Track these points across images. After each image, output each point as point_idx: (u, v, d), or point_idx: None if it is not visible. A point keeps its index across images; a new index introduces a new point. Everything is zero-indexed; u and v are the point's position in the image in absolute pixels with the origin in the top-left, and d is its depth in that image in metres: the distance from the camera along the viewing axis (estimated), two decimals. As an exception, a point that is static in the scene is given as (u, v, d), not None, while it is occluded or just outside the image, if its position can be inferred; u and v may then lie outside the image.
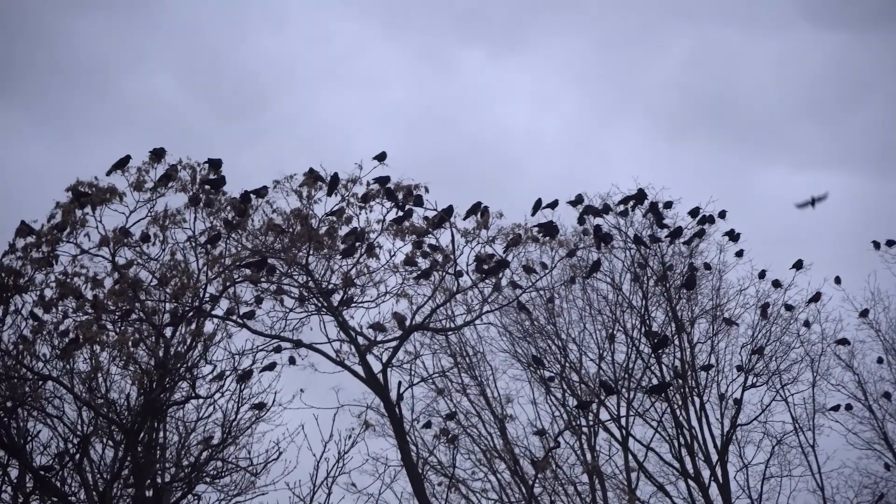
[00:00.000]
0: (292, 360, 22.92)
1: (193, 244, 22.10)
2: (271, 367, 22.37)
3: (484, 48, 64.98)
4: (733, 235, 28.33)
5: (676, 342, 27.81)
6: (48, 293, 20.82)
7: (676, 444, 27.51)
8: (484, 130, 61.08)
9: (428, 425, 25.39)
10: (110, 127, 56.73)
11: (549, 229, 23.97)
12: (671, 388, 27.00)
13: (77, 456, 20.48)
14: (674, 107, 62.75)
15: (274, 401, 21.93)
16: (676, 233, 27.35)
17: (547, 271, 25.35)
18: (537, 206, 24.46)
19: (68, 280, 20.91)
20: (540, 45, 65.00)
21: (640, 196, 26.91)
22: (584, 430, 27.33)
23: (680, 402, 27.41)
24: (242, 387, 21.74)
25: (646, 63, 62.33)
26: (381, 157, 22.83)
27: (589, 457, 27.07)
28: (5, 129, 52.68)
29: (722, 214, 27.98)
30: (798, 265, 29.07)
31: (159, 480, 20.96)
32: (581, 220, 26.40)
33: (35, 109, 56.45)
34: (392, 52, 64.84)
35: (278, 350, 22.79)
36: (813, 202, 21.09)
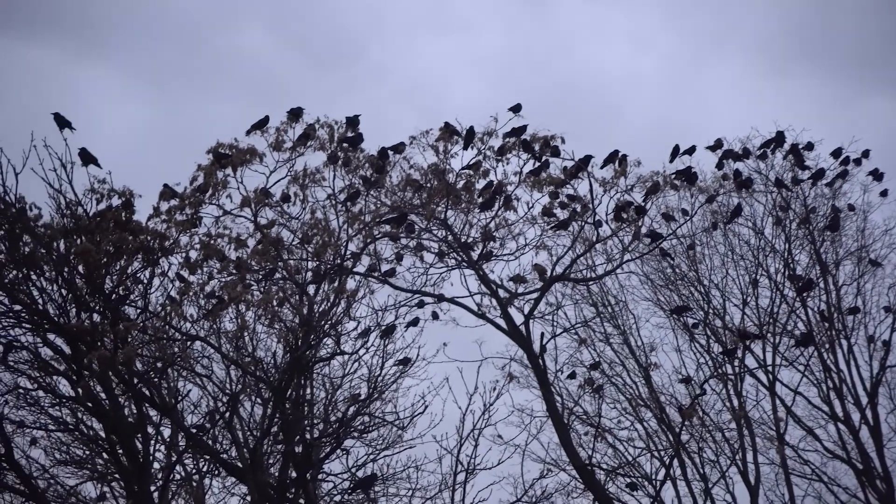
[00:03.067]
0: (435, 315, 22.73)
1: (333, 202, 21.93)
2: (414, 322, 22.16)
3: (578, -11, 63.22)
4: (877, 175, 27.27)
5: (821, 285, 26.94)
6: (193, 255, 20.74)
7: (825, 388, 26.75)
8: (580, 73, 59.81)
9: (572, 376, 24.95)
10: (204, 82, 56.99)
11: (689, 175, 23.26)
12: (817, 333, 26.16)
13: (227, 414, 20.39)
14: (772, 40, 60.39)
15: (418, 355, 21.60)
16: (819, 174, 26.37)
17: (687, 218, 24.59)
18: (675, 152, 23.77)
19: (212, 241, 20.84)
20: (636, -19, 63.08)
21: (779, 139, 25.98)
22: (730, 376, 26.61)
23: (827, 346, 26.52)
24: (386, 342, 21.40)
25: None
26: (516, 109, 22.35)
27: (735, 403, 26.48)
28: (102, 89, 53.06)
29: (866, 154, 26.94)
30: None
31: (308, 436, 20.86)
32: (720, 165, 25.61)
33: (130, 68, 56.93)
34: None
35: (421, 305, 22.58)
36: None
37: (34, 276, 19.48)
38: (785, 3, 59.99)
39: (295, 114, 21.52)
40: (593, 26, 62.54)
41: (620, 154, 22.61)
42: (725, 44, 60.95)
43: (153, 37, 55.68)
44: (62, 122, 19.58)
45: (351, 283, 21.58)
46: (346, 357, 21.36)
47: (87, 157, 19.66)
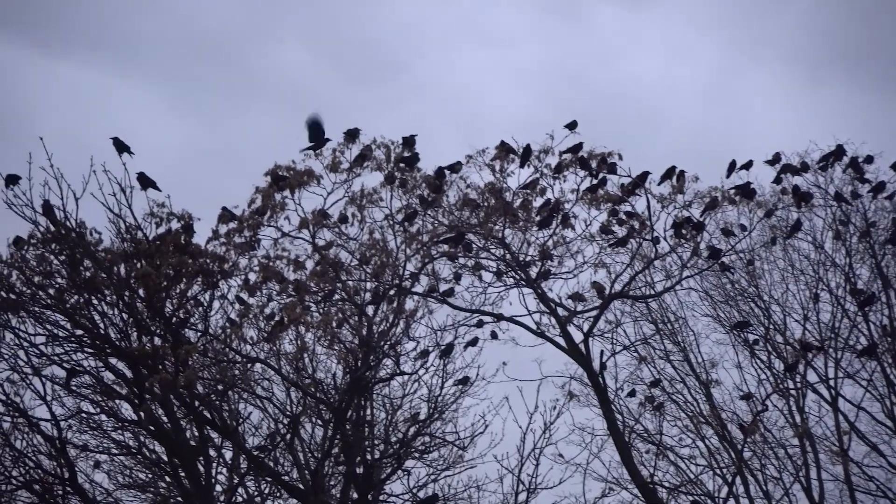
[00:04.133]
0: (494, 335, 22.35)
1: (391, 222, 21.67)
2: (473, 342, 21.89)
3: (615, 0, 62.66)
4: (939, 187, 26.74)
5: (883, 299, 26.41)
6: (252, 277, 20.66)
7: (889, 403, 26.16)
8: (618, 84, 59.12)
9: (632, 394, 24.54)
10: (242, 99, 56.91)
11: (747, 191, 22.90)
12: (880, 347, 25.64)
13: (288, 436, 20.31)
14: (809, 49, 59.47)
15: (478, 375, 21.60)
16: (879, 187, 25.85)
17: (746, 233, 24.17)
18: (732, 167, 23.33)
19: (271, 263, 20.71)
20: (672, -6, 62.36)
21: (839, 152, 25.52)
22: (792, 392, 26.18)
23: (890, 360, 26.00)
24: (446, 362, 21.39)
25: (780, 3, 59.24)
26: (571, 126, 22.05)
27: (798, 419, 25.99)
28: (141, 107, 53.24)
29: (927, 165, 26.44)
30: None
31: (369, 457, 20.75)
32: (778, 180, 25.17)
33: (168, 86, 56.93)
34: (522, 8, 63.07)
35: (480, 325, 22.24)
36: None
37: (95, 301, 19.51)
38: (823, 10, 59.23)
39: (351, 134, 21.34)
40: (630, 37, 62.01)
41: (678, 170, 22.29)
42: (763, 52, 60.24)
43: (191, 54, 56.07)
44: (121, 147, 19.56)
45: (409, 304, 21.50)
46: (406, 377, 21.40)
47: (145, 182, 19.62)
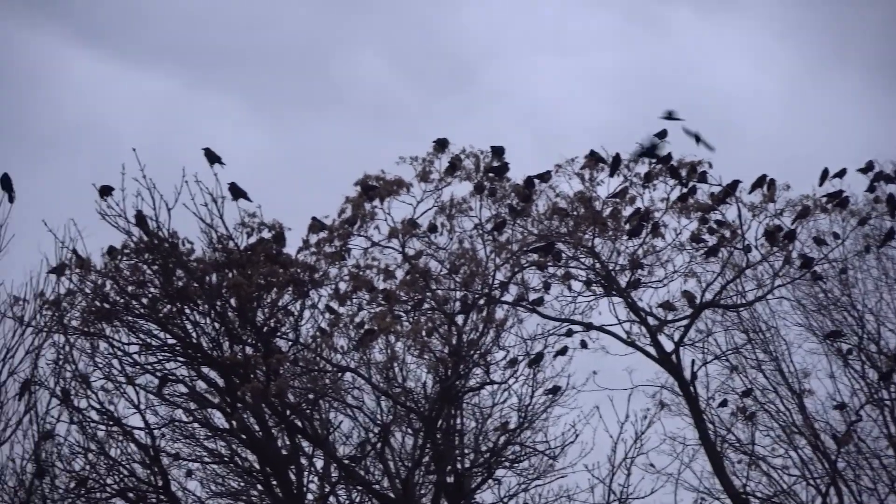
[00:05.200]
0: (584, 344, 22.07)
1: (480, 232, 21.49)
2: (563, 351, 21.61)
3: (693, 6, 61.53)
4: None
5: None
6: (342, 286, 20.51)
7: None
8: (698, 91, 57.94)
9: (724, 404, 24.11)
10: (321, 108, 56.71)
11: (840, 199, 22.41)
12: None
13: (378, 445, 20.12)
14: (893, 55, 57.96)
15: (568, 384, 21.29)
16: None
17: (839, 242, 23.63)
18: (825, 175, 22.86)
19: (361, 273, 20.59)
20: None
21: (934, 159, 24.89)
22: (887, 402, 25.55)
23: None
24: (536, 371, 21.09)
25: (862, 9, 57.95)
26: (661, 136, 21.66)
27: (893, 429, 25.33)
28: (221, 117, 53.39)
29: None
30: None
31: (459, 466, 20.57)
32: (871, 188, 24.59)
33: (247, 96, 56.83)
34: (598, 15, 62.24)
35: (569, 334, 21.98)
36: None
37: (188, 310, 19.47)
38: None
39: (441, 144, 21.21)
40: (710, 44, 60.83)
41: (769, 178, 21.94)
42: (846, 58, 59.05)
43: (269, 64, 55.84)
44: (212, 158, 19.57)
45: (499, 313, 21.25)
46: (496, 386, 21.08)
47: (237, 192, 19.59)
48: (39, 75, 49.18)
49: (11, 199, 18.62)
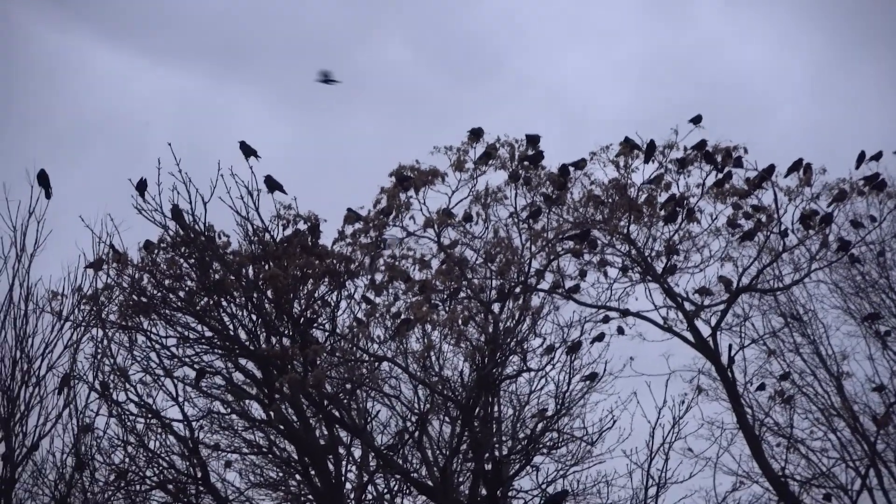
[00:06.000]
0: (620, 330, 21.99)
1: (515, 220, 21.39)
2: (600, 337, 21.51)
3: (720, -10, 60.68)
4: None
5: None
6: (378, 277, 20.35)
7: None
8: (724, 76, 57.31)
9: (762, 387, 24.04)
10: (347, 99, 56.54)
11: (877, 182, 22.10)
12: None
13: (416, 433, 20.02)
14: None
15: (605, 370, 21.06)
16: None
17: (876, 224, 23.34)
18: (861, 158, 22.54)
19: (397, 263, 20.44)
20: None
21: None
22: (926, 384, 25.21)
23: None
24: (573, 358, 20.82)
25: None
26: (696, 121, 21.50)
27: (932, 411, 24.99)
28: (248, 110, 53.31)
29: None
30: None
31: (497, 454, 20.45)
32: (908, 171, 24.29)
33: (273, 88, 56.78)
34: (623, 1, 61.53)
35: (606, 320, 21.87)
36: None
37: (225, 303, 19.39)
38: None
39: (475, 133, 21.03)
40: (735, 28, 60.14)
41: (804, 163, 21.68)
42: (873, 43, 58.15)
43: (294, 55, 55.68)
44: (248, 151, 19.47)
45: (535, 300, 21.09)
46: (533, 374, 20.93)
47: (272, 185, 19.48)
48: (67, 72, 49.58)
49: (48, 195, 18.62)
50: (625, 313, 21.92)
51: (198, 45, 55.86)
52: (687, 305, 22.02)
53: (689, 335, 22.07)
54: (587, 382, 21.08)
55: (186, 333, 19.57)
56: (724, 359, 22.06)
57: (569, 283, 21.61)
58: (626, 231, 21.64)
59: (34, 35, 47.50)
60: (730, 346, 22.32)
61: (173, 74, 54.08)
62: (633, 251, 21.89)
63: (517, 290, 20.62)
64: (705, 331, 22.08)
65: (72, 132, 46.96)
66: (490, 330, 20.10)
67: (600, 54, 60.86)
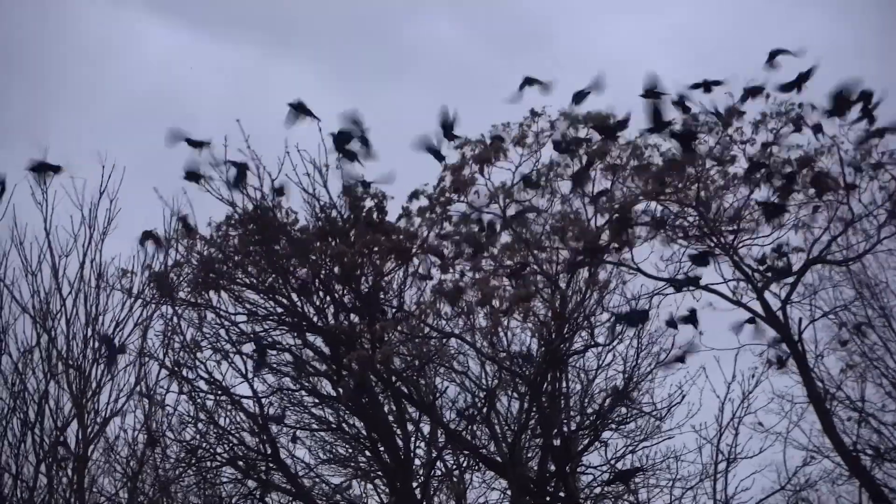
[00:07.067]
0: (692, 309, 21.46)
1: (581, 193, 20.79)
2: (691, 318, 20.79)
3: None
4: None
5: None
6: (445, 252, 20.00)
7: None
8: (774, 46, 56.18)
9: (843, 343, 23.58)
10: (393, 74, 56.15)
11: (953, 152, 21.54)
12: None
13: (484, 409, 19.86)
14: None
15: (673, 345, 20.71)
16: None
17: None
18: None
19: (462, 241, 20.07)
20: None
21: None
22: None
23: None
24: (640, 331, 20.68)
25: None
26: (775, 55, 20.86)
27: None
28: (295, 85, 53.06)
29: None
30: None
31: (565, 429, 20.20)
32: (982, 139, 23.67)
33: (320, 63, 56.39)
34: None
35: (679, 289, 21.34)
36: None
37: (292, 280, 19.30)
38: None
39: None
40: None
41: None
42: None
43: (343, 32, 55.46)
44: (304, 111, 19.08)
45: (603, 274, 20.63)
46: (601, 348, 20.66)
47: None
48: (117, 48, 49.65)
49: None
50: (694, 286, 21.44)
51: (246, 21, 55.75)
52: (756, 277, 21.56)
53: (758, 307, 21.53)
54: (675, 364, 20.71)
55: (255, 310, 19.53)
56: (795, 331, 21.58)
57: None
58: (695, 202, 21.08)
59: (82, 9, 47.71)
60: (800, 319, 21.68)
61: (222, 50, 54.08)
62: (703, 222, 21.41)
63: (584, 263, 20.21)
64: (775, 303, 21.50)
65: (118, 107, 47.03)
66: (557, 305, 19.82)
67: (651, 25, 59.96)
